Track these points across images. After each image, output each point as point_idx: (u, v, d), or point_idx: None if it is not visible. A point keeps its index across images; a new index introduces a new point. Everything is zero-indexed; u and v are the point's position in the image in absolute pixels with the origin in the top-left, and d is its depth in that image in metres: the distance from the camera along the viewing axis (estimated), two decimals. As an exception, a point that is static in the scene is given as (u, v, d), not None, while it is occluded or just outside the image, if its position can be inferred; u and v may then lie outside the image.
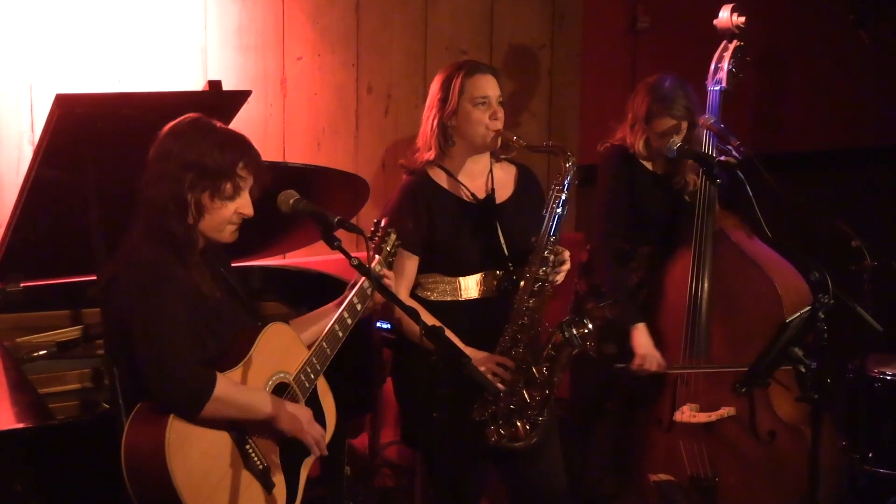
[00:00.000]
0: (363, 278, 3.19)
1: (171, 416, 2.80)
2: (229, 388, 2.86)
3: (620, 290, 4.21)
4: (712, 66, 4.36)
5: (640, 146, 4.23)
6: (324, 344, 3.12)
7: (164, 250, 2.92)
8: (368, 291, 3.22)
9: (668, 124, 4.14)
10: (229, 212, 2.97)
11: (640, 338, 4.14)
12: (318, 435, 3.04)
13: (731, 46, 4.38)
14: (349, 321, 3.19)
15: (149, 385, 2.81)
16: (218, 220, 2.97)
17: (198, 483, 2.82)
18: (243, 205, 2.98)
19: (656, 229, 4.33)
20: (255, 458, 2.94)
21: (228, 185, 2.94)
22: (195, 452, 2.83)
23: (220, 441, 2.89)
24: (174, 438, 2.79)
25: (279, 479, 3.00)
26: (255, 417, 2.92)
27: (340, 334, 3.16)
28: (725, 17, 4.41)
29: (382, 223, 3.34)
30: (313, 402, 3.14)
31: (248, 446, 2.93)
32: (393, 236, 3.34)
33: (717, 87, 4.32)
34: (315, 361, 3.10)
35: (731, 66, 4.34)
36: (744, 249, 4.19)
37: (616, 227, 4.24)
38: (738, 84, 4.38)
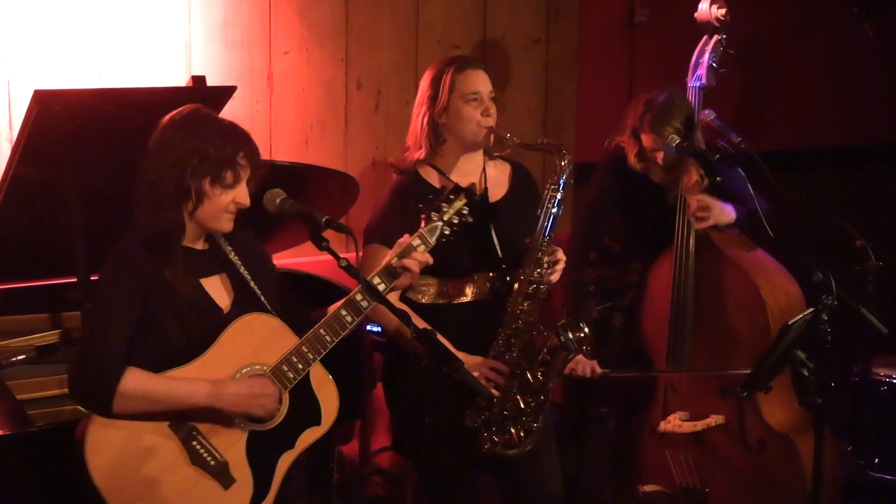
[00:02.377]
0: (359, 292, 3.06)
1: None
2: (142, 383, 2.86)
3: (578, 292, 4.19)
4: (692, 62, 4.30)
5: (632, 158, 4.18)
6: (322, 331, 3.05)
7: (142, 240, 2.96)
8: (363, 305, 3.07)
9: (655, 142, 4.09)
10: (227, 200, 3.00)
11: None
12: (272, 404, 2.98)
13: (712, 41, 4.30)
14: (349, 319, 3.07)
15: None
16: (216, 208, 3.00)
17: (121, 484, 2.83)
18: (241, 195, 3.02)
19: (647, 237, 4.28)
20: (205, 454, 2.93)
21: (229, 174, 2.98)
22: (114, 451, 2.83)
23: (154, 439, 2.88)
24: (92, 437, 2.81)
25: (244, 475, 2.96)
26: (183, 408, 2.91)
27: (349, 319, 3.04)
28: (705, 9, 4.33)
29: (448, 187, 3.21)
30: (305, 394, 3.06)
31: (195, 442, 2.92)
32: (462, 201, 3.17)
33: (697, 84, 4.26)
34: (306, 350, 3.03)
35: (711, 62, 4.27)
36: (727, 254, 4.14)
37: (590, 243, 4.24)
38: (723, 78, 4.32)
